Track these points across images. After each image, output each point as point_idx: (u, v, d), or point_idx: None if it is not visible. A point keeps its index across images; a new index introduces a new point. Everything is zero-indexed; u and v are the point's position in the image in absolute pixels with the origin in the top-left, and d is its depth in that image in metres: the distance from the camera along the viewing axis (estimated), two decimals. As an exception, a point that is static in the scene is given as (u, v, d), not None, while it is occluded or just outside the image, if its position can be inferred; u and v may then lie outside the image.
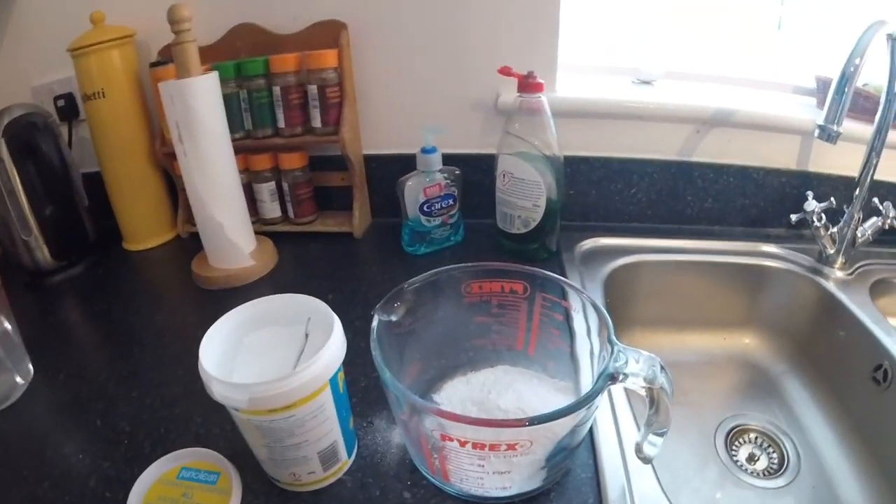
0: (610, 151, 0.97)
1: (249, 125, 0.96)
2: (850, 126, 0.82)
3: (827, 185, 0.97)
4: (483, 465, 0.47)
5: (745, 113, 0.95)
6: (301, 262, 0.95)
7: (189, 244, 1.02)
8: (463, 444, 0.44)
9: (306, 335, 0.54)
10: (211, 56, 0.94)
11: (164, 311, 0.85)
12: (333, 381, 0.49)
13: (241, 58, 0.94)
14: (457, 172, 0.91)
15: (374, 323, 0.53)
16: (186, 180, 0.86)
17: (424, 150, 0.87)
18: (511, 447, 0.44)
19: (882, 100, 0.80)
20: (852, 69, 0.73)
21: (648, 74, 1.05)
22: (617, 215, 1.01)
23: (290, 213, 1.01)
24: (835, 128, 0.76)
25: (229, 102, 0.92)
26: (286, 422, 0.47)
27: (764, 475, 0.79)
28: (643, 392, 0.47)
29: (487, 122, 0.98)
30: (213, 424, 0.62)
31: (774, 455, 0.82)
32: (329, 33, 0.91)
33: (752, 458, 0.82)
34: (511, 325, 0.63)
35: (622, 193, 1.00)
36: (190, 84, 0.80)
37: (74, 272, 0.96)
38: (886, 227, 0.88)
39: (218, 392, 0.46)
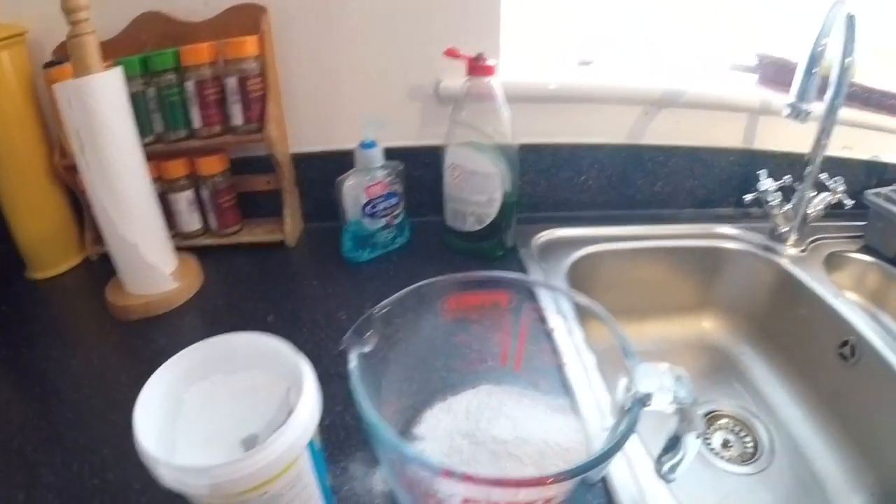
0: (559, 137, 0.93)
1: (160, 127, 0.84)
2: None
3: (772, 163, 0.96)
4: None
5: (693, 93, 0.93)
6: (230, 280, 0.84)
7: (100, 268, 0.88)
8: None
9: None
10: (112, 51, 0.81)
11: (79, 353, 0.72)
12: (310, 442, 0.40)
13: (147, 51, 0.82)
14: (400, 167, 0.83)
15: (353, 363, 0.44)
16: (92, 197, 0.73)
17: (364, 145, 0.79)
18: (547, 502, 0.38)
19: (834, 78, 0.80)
20: (820, 49, 0.73)
21: (588, 55, 1.01)
22: (567, 204, 0.97)
23: (212, 225, 0.89)
24: (804, 106, 0.76)
25: (136, 103, 0.79)
26: (259, 500, 0.38)
27: (740, 461, 0.78)
28: (670, 411, 0.42)
29: (428, 111, 0.90)
30: (156, 490, 0.50)
31: (748, 439, 0.81)
32: (247, 19, 0.80)
33: (726, 445, 0.80)
34: (493, 340, 0.56)
35: (572, 181, 0.95)
36: (90, 83, 0.68)
37: None
38: (835, 201, 0.89)
39: (168, 478, 0.36)
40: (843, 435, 0.77)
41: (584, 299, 0.51)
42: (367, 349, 0.47)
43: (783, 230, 0.90)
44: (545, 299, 0.55)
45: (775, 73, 1.01)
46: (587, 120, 0.92)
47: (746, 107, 0.95)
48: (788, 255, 0.89)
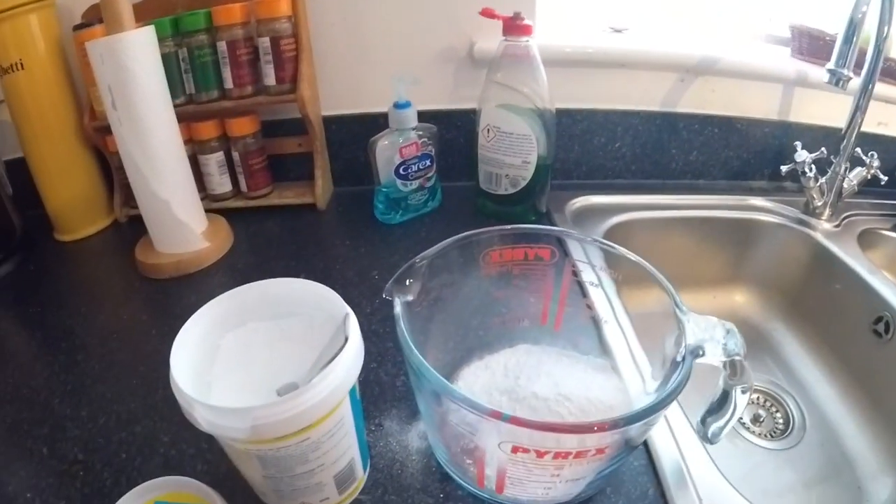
0: (593, 103, 0.91)
1: (191, 88, 0.83)
2: (821, 75, 0.80)
3: (808, 136, 0.93)
4: (558, 475, 0.39)
5: (729, 61, 0.90)
6: (260, 241, 0.83)
7: (129, 230, 0.88)
8: (541, 454, 0.36)
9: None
10: (142, 13, 0.79)
11: (107, 310, 0.72)
12: (352, 389, 0.39)
13: (178, 12, 0.81)
14: (433, 130, 0.82)
15: (397, 308, 0.43)
16: (123, 153, 0.73)
17: (398, 106, 0.78)
18: (600, 451, 0.37)
19: (870, 50, 0.77)
20: (860, 15, 0.71)
21: (620, 23, 0.99)
22: (600, 171, 0.95)
23: (243, 187, 0.89)
24: (845, 72, 0.74)
25: (167, 64, 0.79)
26: (298, 447, 0.37)
27: (771, 436, 0.76)
28: (719, 364, 0.41)
29: (461, 73, 0.89)
30: (185, 444, 0.51)
31: (779, 415, 0.79)
32: (279, -21, 0.79)
33: (756, 420, 0.79)
34: (534, 297, 0.55)
35: (606, 148, 0.93)
36: (123, 40, 0.68)
37: (4, 270, 0.82)
38: (870, 176, 0.87)
39: (205, 420, 0.35)
40: (875, 414, 0.75)
41: (633, 256, 0.50)
42: (409, 298, 0.46)
43: (817, 204, 0.88)
44: (590, 255, 0.53)
45: (809, 44, 0.98)
46: (622, 86, 0.90)
47: (782, 77, 0.92)
48: (822, 229, 0.87)
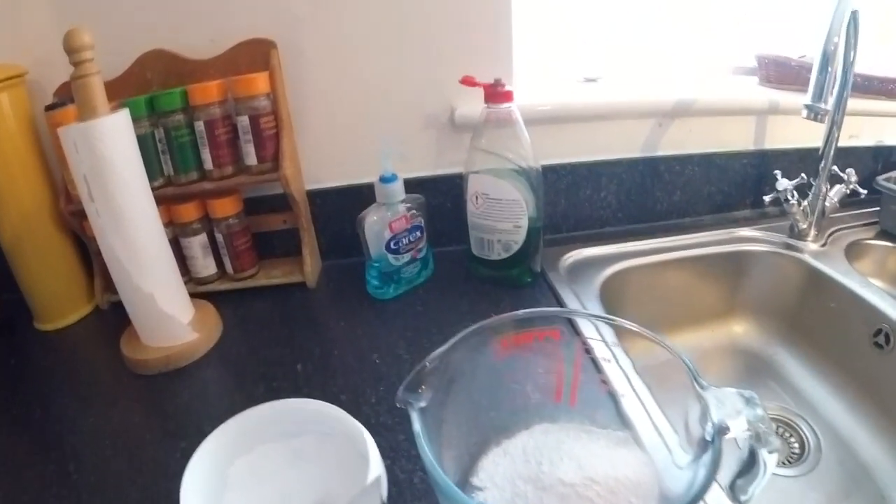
0: (576, 156, 0.91)
1: (170, 170, 0.81)
2: (795, 98, 0.84)
3: (785, 160, 0.97)
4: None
5: (703, 101, 0.93)
6: (251, 326, 0.80)
7: (112, 316, 0.85)
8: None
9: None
10: (117, 91, 0.78)
11: (96, 410, 0.68)
12: None
13: (154, 90, 0.79)
14: (421, 200, 0.81)
15: (416, 424, 0.41)
16: (103, 247, 0.70)
17: (384, 179, 0.77)
18: None
19: (840, 72, 0.80)
20: (832, 48, 0.73)
21: (593, 72, 1.00)
22: (587, 222, 0.96)
23: (228, 269, 0.86)
24: (822, 106, 0.75)
25: (144, 144, 0.77)
26: None
27: (789, 462, 0.77)
28: (744, 437, 0.40)
29: (443, 140, 0.88)
30: None
31: (793, 439, 0.80)
32: (256, 54, 0.78)
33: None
34: (547, 376, 0.54)
35: (592, 199, 0.94)
36: (97, 126, 0.65)
37: None
38: (849, 192, 0.90)
39: None
40: (887, 422, 0.76)
41: (646, 331, 0.49)
42: (423, 404, 0.44)
43: (802, 227, 0.91)
44: (596, 330, 0.53)
45: (776, 71, 1.02)
46: (602, 136, 0.91)
47: (755, 108, 0.96)
48: (810, 250, 0.89)
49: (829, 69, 0.73)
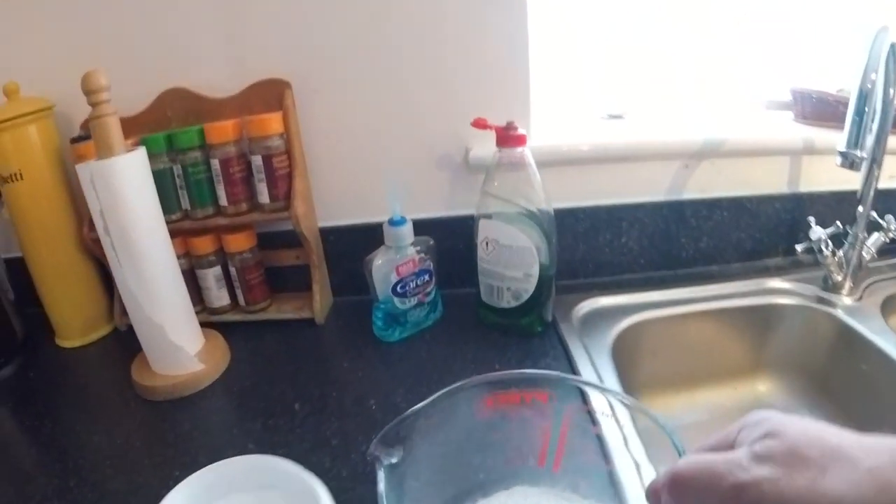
0: (595, 199, 0.88)
1: (187, 204, 0.83)
2: (832, 137, 0.77)
3: (820, 204, 0.92)
4: None
5: (733, 140, 0.88)
6: (258, 359, 0.81)
7: (128, 339, 0.86)
8: None
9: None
10: (138, 127, 0.82)
11: (102, 430, 0.70)
12: None
13: (173, 128, 0.81)
14: (430, 243, 0.80)
15: (381, 484, 0.40)
16: (117, 279, 0.72)
17: (393, 222, 0.76)
18: None
19: (879, 108, 0.73)
20: (869, 85, 0.68)
21: (618, 108, 0.97)
22: (607, 268, 0.92)
23: (241, 301, 0.87)
24: (859, 153, 0.71)
25: (162, 180, 0.80)
26: None
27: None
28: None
29: (457, 180, 0.87)
30: None
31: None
32: (270, 94, 0.79)
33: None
34: (531, 438, 0.52)
35: (612, 244, 0.91)
36: (113, 165, 0.68)
37: (4, 374, 0.83)
38: (888, 240, 0.84)
39: None
40: None
41: (636, 403, 0.47)
42: (393, 460, 0.44)
43: (837, 279, 0.85)
44: (591, 397, 0.50)
45: (813, 107, 0.96)
46: (624, 179, 0.88)
47: (788, 149, 0.90)
48: (844, 305, 0.84)
49: (867, 110, 0.68)
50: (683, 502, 0.33)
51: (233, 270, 0.85)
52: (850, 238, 0.83)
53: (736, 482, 0.30)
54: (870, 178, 0.79)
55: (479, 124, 0.73)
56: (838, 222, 0.84)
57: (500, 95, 0.83)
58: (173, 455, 0.64)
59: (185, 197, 0.82)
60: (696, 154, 0.88)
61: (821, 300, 0.86)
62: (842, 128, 0.72)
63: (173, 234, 0.80)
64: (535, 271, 0.74)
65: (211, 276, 0.85)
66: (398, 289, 0.77)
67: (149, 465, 0.63)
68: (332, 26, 0.80)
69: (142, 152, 0.71)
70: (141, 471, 0.62)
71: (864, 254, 0.83)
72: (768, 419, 0.32)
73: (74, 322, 0.89)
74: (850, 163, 0.71)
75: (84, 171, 0.68)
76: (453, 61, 0.82)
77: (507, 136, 0.72)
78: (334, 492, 0.52)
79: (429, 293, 0.80)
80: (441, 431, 0.49)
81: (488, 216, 0.75)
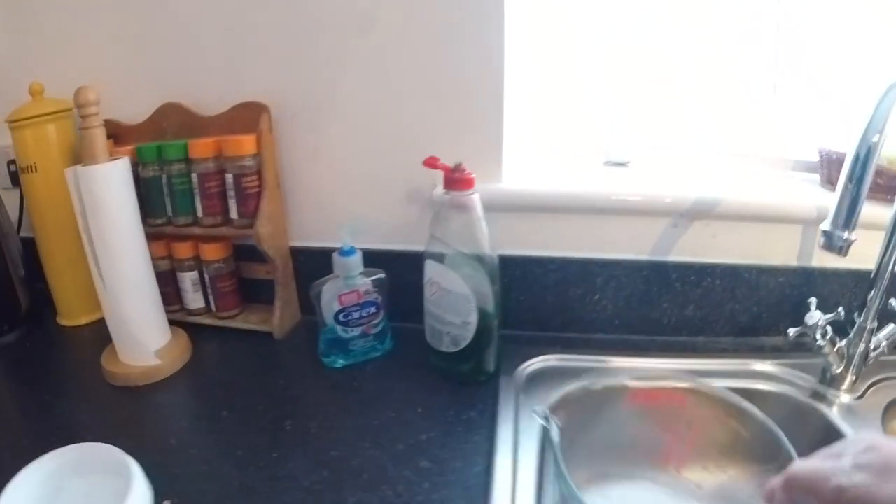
0: (567, 251, 0.84)
1: (170, 211, 0.88)
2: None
3: (835, 283, 0.83)
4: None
5: (732, 201, 0.81)
6: (215, 363, 0.85)
7: None
8: None
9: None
10: (137, 136, 0.89)
11: (66, 404, 0.77)
12: None
13: (167, 139, 0.87)
14: (382, 277, 0.80)
15: (556, 438, 0.54)
16: (93, 272, 0.79)
17: (342, 252, 0.77)
18: None
19: None
20: (868, 148, 0.58)
21: (621, 155, 0.92)
22: (578, 323, 0.87)
23: (213, 306, 0.92)
24: (844, 234, 0.61)
25: (152, 185, 0.86)
26: None
27: None
28: None
29: (425, 215, 0.86)
30: None
31: None
32: (251, 116, 0.82)
33: None
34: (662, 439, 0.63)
35: (583, 300, 0.86)
36: (95, 171, 0.74)
37: (7, 340, 0.93)
38: None
39: None
40: None
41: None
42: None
43: (837, 371, 0.76)
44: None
45: (841, 171, 0.85)
46: (602, 232, 0.84)
47: (801, 217, 0.81)
48: (840, 403, 0.74)
49: (864, 176, 0.59)
50: (794, 498, 0.43)
51: (206, 277, 0.89)
52: (857, 327, 0.74)
53: (838, 485, 0.38)
54: (886, 257, 0.69)
55: (430, 163, 0.72)
56: (840, 308, 0.75)
57: (471, 135, 0.82)
58: (112, 436, 0.65)
59: (169, 204, 0.87)
60: (687, 213, 0.82)
61: (815, 394, 0.76)
62: (876, 198, 0.63)
63: (158, 236, 0.86)
64: (474, 320, 0.72)
65: (188, 280, 0.90)
66: (340, 317, 0.78)
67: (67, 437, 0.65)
68: (315, 56, 0.83)
69: (123, 162, 0.77)
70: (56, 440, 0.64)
71: (871, 346, 0.74)
72: (870, 437, 0.41)
73: (74, 303, 0.97)
74: (829, 243, 0.63)
75: (70, 174, 0.75)
76: (428, 98, 0.82)
77: (453, 179, 0.70)
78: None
79: (376, 325, 0.80)
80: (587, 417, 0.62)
81: (432, 257, 0.73)
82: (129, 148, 0.86)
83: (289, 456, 0.65)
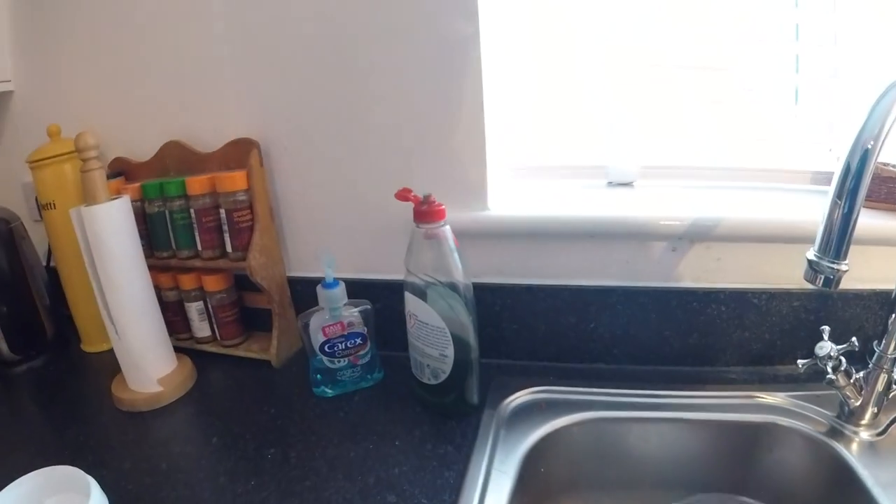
0: (556, 278, 0.82)
1: (174, 244, 0.91)
2: (876, 223, 0.64)
3: (857, 306, 0.77)
4: None
5: (737, 221, 0.77)
6: (214, 390, 0.88)
7: None
8: None
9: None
10: (143, 173, 0.93)
11: (76, 427, 0.81)
12: None
13: (170, 176, 0.91)
14: (368, 308, 0.80)
15: None
16: (99, 304, 0.83)
17: (325, 285, 0.78)
18: None
19: None
20: (862, 156, 0.53)
21: (623, 174, 0.88)
22: (573, 353, 0.84)
23: (217, 335, 0.95)
24: (831, 265, 0.56)
25: (157, 220, 0.90)
26: None
27: None
28: None
29: (412, 244, 0.86)
30: None
31: None
32: (242, 152, 0.85)
33: None
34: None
35: (577, 328, 0.83)
36: (96, 211, 0.79)
37: (33, 365, 1.00)
38: None
39: None
40: None
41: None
42: None
43: (855, 405, 0.70)
44: None
45: (878, 185, 0.78)
46: (594, 258, 0.81)
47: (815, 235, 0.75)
48: (859, 440, 0.68)
49: (858, 191, 0.53)
50: None
51: (210, 307, 0.92)
52: (876, 356, 0.68)
53: None
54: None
55: (401, 196, 0.71)
56: (854, 339, 0.69)
57: (456, 164, 0.81)
58: (109, 459, 0.73)
59: (172, 238, 0.91)
60: (685, 235, 0.78)
61: (831, 430, 0.70)
62: (888, 208, 0.57)
63: (164, 269, 0.90)
64: (450, 353, 0.71)
65: (194, 310, 0.93)
66: (325, 348, 0.79)
67: (89, 464, 0.68)
68: (301, 92, 0.85)
69: (123, 201, 0.81)
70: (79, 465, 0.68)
71: (894, 377, 0.68)
72: None
73: (94, 331, 1.01)
74: (814, 275, 0.58)
75: (74, 214, 0.80)
76: (410, 130, 0.82)
77: (422, 212, 0.70)
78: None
79: (363, 356, 0.81)
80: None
81: (408, 289, 0.73)
82: (136, 185, 0.90)
83: (265, 484, 0.66)
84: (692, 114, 0.90)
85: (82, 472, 0.62)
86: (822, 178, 0.88)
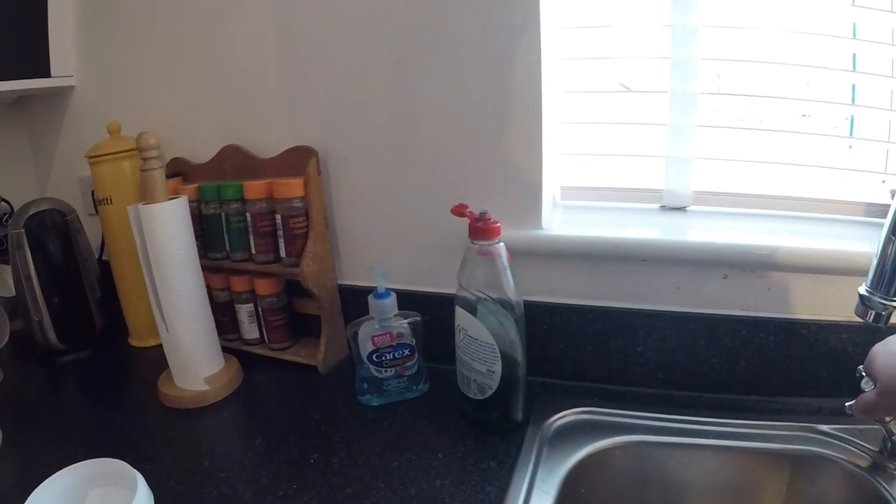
0: (607, 301, 0.82)
1: (228, 247, 0.94)
2: None
3: None
4: None
5: (790, 251, 0.76)
6: (260, 392, 0.90)
7: None
8: None
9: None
10: (200, 175, 0.95)
11: (121, 420, 0.85)
12: None
13: (227, 179, 0.93)
14: (417, 320, 0.81)
15: None
16: (152, 301, 0.85)
17: (377, 295, 0.79)
18: None
19: None
20: None
21: (677, 198, 0.88)
22: (619, 376, 0.84)
23: (265, 338, 0.96)
24: (882, 301, 0.55)
25: (212, 222, 0.92)
26: None
27: None
28: None
29: (464, 259, 0.87)
30: None
31: None
32: (301, 160, 0.87)
33: None
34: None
35: (625, 351, 0.83)
36: (153, 210, 0.81)
37: (81, 356, 1.04)
38: None
39: None
40: None
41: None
42: None
43: None
44: None
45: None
46: (645, 282, 0.81)
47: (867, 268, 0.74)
48: None
49: None
50: None
51: (260, 310, 0.94)
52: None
53: None
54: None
55: (457, 212, 0.72)
56: None
57: (512, 181, 0.82)
58: (154, 452, 0.76)
59: (227, 240, 0.93)
60: (738, 264, 0.78)
61: (873, 465, 0.69)
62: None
63: (217, 270, 0.92)
64: (498, 369, 0.72)
65: (244, 312, 0.95)
66: (373, 357, 0.80)
67: (133, 457, 0.70)
68: (360, 103, 0.87)
69: (181, 201, 0.83)
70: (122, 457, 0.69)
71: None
72: None
73: (143, 327, 1.05)
74: (864, 311, 0.57)
75: (131, 211, 0.82)
76: (466, 144, 0.84)
77: (477, 228, 0.70)
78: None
79: (410, 367, 0.82)
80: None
81: (459, 303, 0.74)
82: (194, 186, 0.92)
83: (306, 489, 0.67)
84: (747, 140, 0.89)
85: (129, 466, 0.64)
86: (876, 209, 0.87)
